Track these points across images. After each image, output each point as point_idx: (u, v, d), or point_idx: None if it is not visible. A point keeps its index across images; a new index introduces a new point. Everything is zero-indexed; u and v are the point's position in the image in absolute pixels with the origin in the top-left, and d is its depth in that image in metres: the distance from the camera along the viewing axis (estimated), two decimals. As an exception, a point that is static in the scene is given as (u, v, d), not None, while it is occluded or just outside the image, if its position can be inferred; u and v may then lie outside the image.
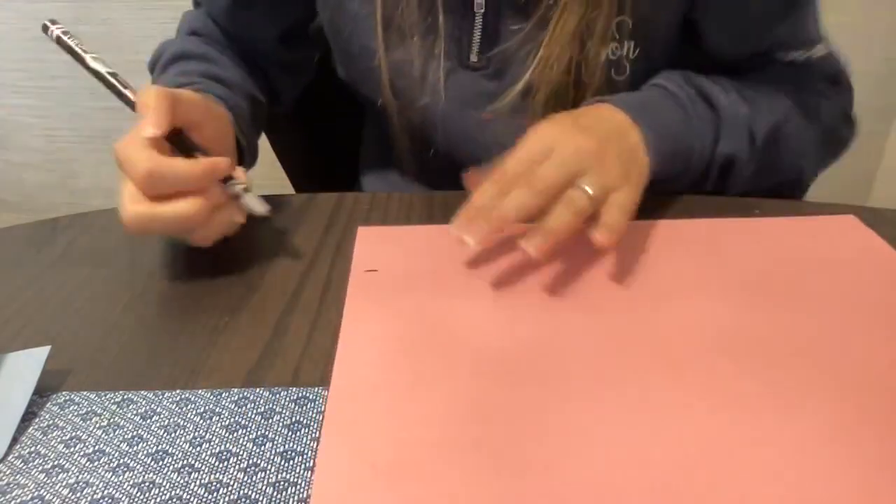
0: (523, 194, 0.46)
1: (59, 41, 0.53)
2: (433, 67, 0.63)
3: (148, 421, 0.37)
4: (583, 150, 0.48)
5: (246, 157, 0.61)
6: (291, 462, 0.34)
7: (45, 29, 0.53)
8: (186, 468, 0.34)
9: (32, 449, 0.36)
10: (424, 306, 0.45)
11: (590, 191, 0.47)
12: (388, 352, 0.41)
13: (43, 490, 0.33)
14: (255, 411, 0.37)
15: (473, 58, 0.62)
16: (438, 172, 0.68)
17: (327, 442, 0.35)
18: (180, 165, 0.46)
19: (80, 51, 0.53)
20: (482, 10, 0.60)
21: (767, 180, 0.63)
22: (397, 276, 0.48)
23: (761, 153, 0.61)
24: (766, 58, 0.64)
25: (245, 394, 0.38)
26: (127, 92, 0.51)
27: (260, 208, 0.49)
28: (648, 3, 0.58)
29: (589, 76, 0.60)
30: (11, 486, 0.33)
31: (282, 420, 0.37)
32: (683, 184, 0.59)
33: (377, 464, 0.34)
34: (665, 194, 0.59)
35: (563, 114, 0.54)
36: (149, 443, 0.35)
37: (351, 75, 0.68)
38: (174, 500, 0.32)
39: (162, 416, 0.37)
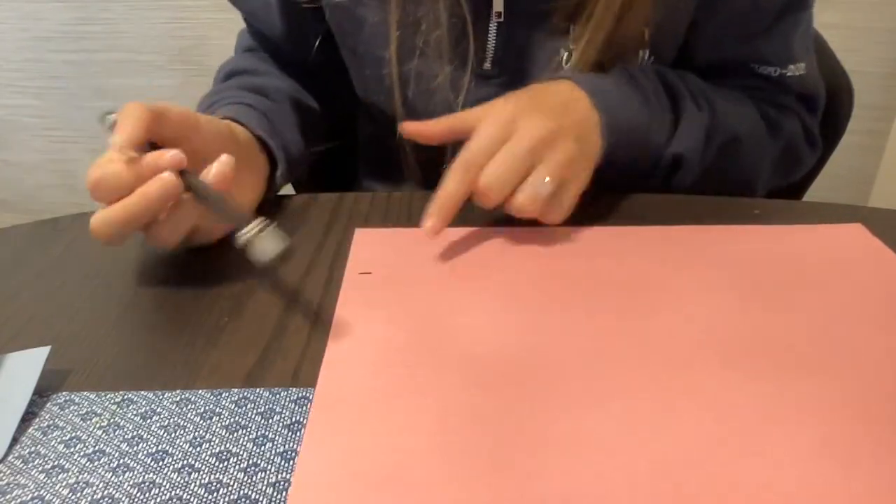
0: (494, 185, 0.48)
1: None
2: (447, 76, 0.62)
3: (148, 421, 0.37)
4: (542, 139, 0.49)
5: (280, 162, 0.58)
6: (291, 462, 0.34)
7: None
8: (186, 468, 0.34)
9: (32, 449, 0.36)
10: (417, 311, 0.45)
11: (550, 183, 0.49)
12: (378, 357, 0.40)
13: (43, 490, 0.33)
14: (255, 411, 0.37)
15: (488, 65, 0.62)
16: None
17: (308, 447, 0.35)
18: (119, 165, 0.44)
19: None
20: (500, 20, 0.60)
21: (715, 186, 0.63)
22: (391, 279, 0.48)
23: (715, 159, 0.61)
24: (741, 68, 0.65)
25: (245, 394, 0.38)
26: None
27: (262, 257, 0.42)
28: (664, 13, 0.59)
29: None
30: (11, 486, 0.33)
31: (282, 420, 0.37)
32: (633, 173, 0.59)
33: (359, 471, 0.33)
34: (663, 195, 0.59)
35: (520, 91, 0.54)
36: (149, 443, 0.35)
37: (361, 82, 0.68)
38: (174, 500, 0.32)
39: (162, 416, 0.37)
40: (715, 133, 0.61)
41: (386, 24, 0.61)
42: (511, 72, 0.62)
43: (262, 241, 0.42)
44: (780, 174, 0.68)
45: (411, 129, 0.54)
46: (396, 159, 0.69)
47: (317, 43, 0.67)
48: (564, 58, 0.60)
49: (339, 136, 0.77)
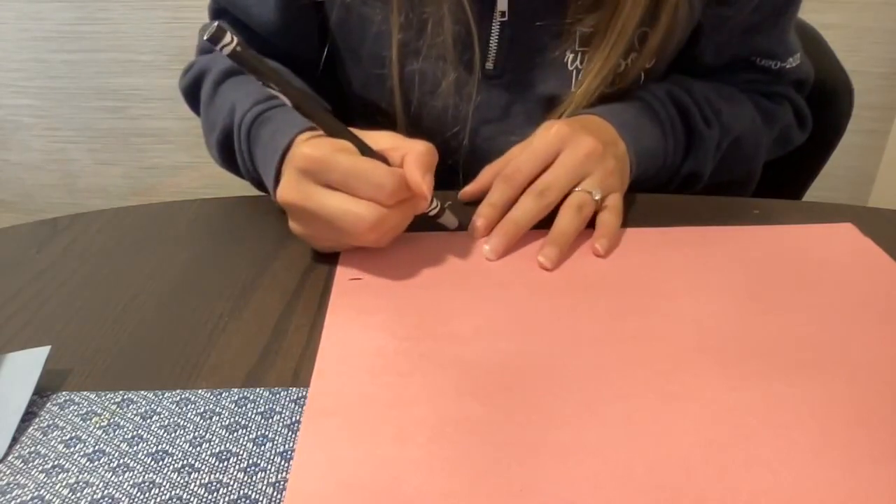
0: (533, 204, 0.51)
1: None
2: (450, 78, 0.62)
3: (148, 421, 0.37)
4: (591, 153, 0.52)
5: None
6: (291, 462, 0.34)
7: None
8: (186, 468, 0.34)
9: (32, 449, 0.36)
10: (409, 317, 0.44)
11: (596, 196, 0.52)
12: (370, 364, 0.40)
13: (43, 490, 0.33)
14: (255, 411, 0.37)
15: (490, 65, 0.62)
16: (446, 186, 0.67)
17: (300, 459, 0.34)
18: (415, 177, 0.46)
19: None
20: (504, 19, 0.60)
21: (721, 181, 0.68)
22: (381, 284, 0.47)
23: (719, 162, 0.65)
24: (743, 63, 0.68)
25: (245, 394, 0.38)
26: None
27: (455, 223, 0.53)
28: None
29: (618, 88, 0.62)
30: (11, 486, 0.34)
31: (282, 420, 0.37)
32: (646, 188, 0.62)
33: (352, 483, 0.33)
34: (661, 195, 0.59)
35: (568, 119, 0.57)
36: (149, 443, 0.36)
37: (361, 82, 0.67)
38: (174, 500, 0.32)
39: (162, 416, 0.37)
40: (721, 143, 0.64)
41: (387, 20, 0.60)
42: (513, 72, 0.62)
43: (448, 214, 0.53)
44: (770, 156, 0.72)
45: (470, 192, 0.57)
46: None
47: (311, 39, 0.66)
48: (570, 59, 0.61)
49: None
